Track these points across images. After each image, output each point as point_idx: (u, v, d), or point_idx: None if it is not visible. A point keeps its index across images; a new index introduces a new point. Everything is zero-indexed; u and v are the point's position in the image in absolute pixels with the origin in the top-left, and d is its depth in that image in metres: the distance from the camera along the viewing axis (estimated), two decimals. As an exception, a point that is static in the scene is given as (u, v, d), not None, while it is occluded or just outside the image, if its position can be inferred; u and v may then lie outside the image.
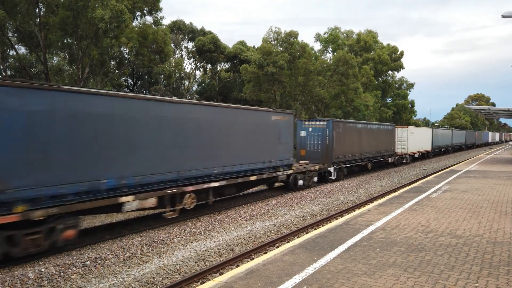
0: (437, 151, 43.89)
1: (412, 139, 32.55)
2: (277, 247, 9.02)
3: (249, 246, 9.52)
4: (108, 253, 8.64)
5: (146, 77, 42.30)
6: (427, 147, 38.36)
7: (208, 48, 41.55)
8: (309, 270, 6.04)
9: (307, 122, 21.31)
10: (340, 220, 9.75)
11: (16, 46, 28.30)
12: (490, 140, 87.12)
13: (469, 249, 7.10)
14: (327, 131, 20.33)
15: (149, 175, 10.14)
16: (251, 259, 8.36)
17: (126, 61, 34.26)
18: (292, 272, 5.94)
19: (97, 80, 29.39)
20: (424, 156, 38.69)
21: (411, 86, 60.34)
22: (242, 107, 15.46)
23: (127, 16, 22.21)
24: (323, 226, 10.18)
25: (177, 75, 40.74)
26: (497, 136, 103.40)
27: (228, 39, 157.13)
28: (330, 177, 20.42)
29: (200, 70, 47.77)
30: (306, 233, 10.42)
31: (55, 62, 31.42)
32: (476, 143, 68.94)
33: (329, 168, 20.25)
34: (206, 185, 11.92)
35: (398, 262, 6.38)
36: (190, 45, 45.90)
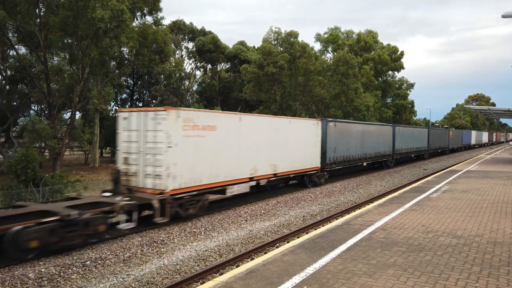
0: (344, 168, 22.14)
1: (200, 148, 11.98)
2: (277, 247, 9.02)
3: (249, 246, 9.52)
4: (108, 253, 8.64)
5: (146, 77, 42.33)
6: (303, 163, 17.46)
7: (208, 48, 41.57)
8: (309, 270, 6.04)
9: None
10: (340, 220, 9.75)
11: (16, 46, 28.31)
12: (474, 142, 64.76)
13: (469, 249, 7.10)
14: None
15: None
16: (251, 259, 8.36)
17: (126, 61, 34.29)
18: (292, 272, 5.94)
19: (97, 80, 29.41)
20: (272, 187, 17.30)
21: (411, 86, 60.38)
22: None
23: (127, 16, 22.22)
24: (323, 226, 10.18)
25: (177, 75, 40.77)
26: (484, 137, 78.70)
27: (228, 39, 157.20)
28: None
29: (200, 70, 47.83)
30: (306, 233, 10.42)
31: (55, 62, 31.41)
32: (450, 146, 47.75)
33: None
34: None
35: (398, 262, 6.38)
36: (190, 45, 45.93)
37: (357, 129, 23.81)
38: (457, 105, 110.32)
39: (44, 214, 8.53)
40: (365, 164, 24.94)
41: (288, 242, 9.43)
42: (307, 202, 15.29)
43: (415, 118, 66.20)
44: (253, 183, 14.33)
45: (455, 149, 51.51)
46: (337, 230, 8.54)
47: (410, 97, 59.24)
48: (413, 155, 34.51)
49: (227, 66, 46.94)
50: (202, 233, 10.50)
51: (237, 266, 7.92)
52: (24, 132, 29.43)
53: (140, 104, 44.18)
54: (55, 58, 31.62)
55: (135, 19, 27.99)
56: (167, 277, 7.57)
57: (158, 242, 9.56)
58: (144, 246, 9.20)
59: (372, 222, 9.24)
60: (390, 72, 55.43)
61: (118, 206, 9.95)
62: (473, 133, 65.82)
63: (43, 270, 7.58)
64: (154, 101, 42.19)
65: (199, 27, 45.70)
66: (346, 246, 7.29)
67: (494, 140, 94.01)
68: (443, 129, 49.86)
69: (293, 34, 35.28)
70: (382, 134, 27.34)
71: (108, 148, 40.89)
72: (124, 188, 11.36)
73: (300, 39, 36.48)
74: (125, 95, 44.17)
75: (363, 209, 11.13)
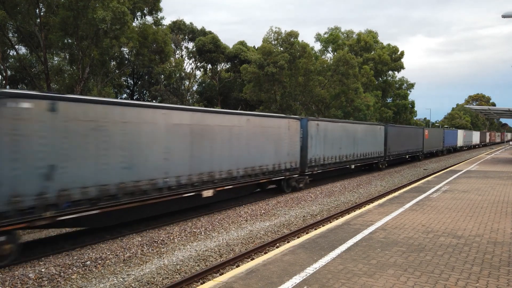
0: (116, 212, 9.68)
1: None
2: (277, 247, 9.02)
3: (249, 246, 9.52)
4: (109, 253, 8.64)
5: (146, 77, 42.36)
6: None
7: (208, 48, 41.60)
8: (310, 270, 6.04)
9: None
10: (341, 220, 9.75)
11: (16, 46, 28.34)
12: (461, 143, 52.78)
13: (470, 249, 7.10)
14: None
15: None
16: (251, 259, 8.36)
17: (126, 61, 34.29)
18: (292, 272, 5.94)
19: (97, 80, 29.43)
20: None
21: (411, 86, 60.44)
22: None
23: (129, 18, 22.26)
24: (323, 226, 10.17)
25: (177, 75, 40.79)
26: (475, 137, 64.67)
27: (228, 39, 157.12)
28: None
29: (200, 70, 47.88)
30: (307, 233, 10.42)
31: (56, 62, 31.47)
32: (426, 150, 36.50)
33: None
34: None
35: (398, 262, 6.38)
36: (191, 45, 46.00)
37: (186, 122, 11.46)
38: (457, 105, 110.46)
39: None
40: (208, 194, 11.99)
41: (288, 242, 9.42)
42: (307, 202, 15.29)
43: (415, 118, 66.23)
44: None
45: (433, 153, 40.76)
46: (337, 230, 8.54)
47: (410, 97, 59.29)
48: (352, 166, 22.14)
49: (227, 66, 46.97)
50: (202, 233, 10.50)
51: (237, 266, 7.92)
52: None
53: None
54: (55, 58, 31.68)
55: (135, 19, 28.03)
56: (167, 277, 7.57)
57: (158, 242, 9.56)
58: (144, 246, 9.20)
59: (372, 222, 9.23)
60: (390, 72, 55.51)
61: None
62: (460, 132, 53.16)
63: (43, 270, 7.58)
64: (154, 101, 42.22)
65: (199, 27, 45.80)
66: (346, 246, 7.28)
67: (487, 140, 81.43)
68: (414, 128, 36.98)
69: (293, 34, 35.31)
70: (272, 134, 15.12)
71: None
72: None
73: (300, 39, 36.60)
74: (125, 95, 44.21)
75: (363, 209, 11.13)
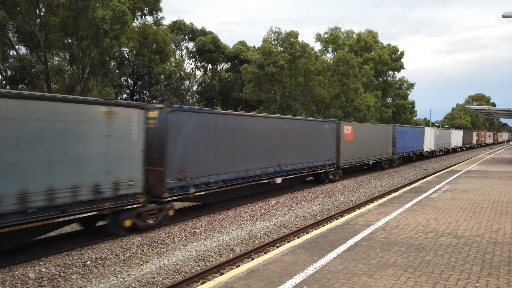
0: None
1: None
2: (277, 247, 9.02)
3: (249, 246, 9.52)
4: (109, 253, 8.64)
5: (146, 77, 42.38)
6: None
7: (208, 48, 41.62)
8: (310, 270, 6.04)
9: None
10: (341, 220, 9.75)
11: (16, 46, 28.34)
12: (431, 147, 37.50)
13: (470, 249, 7.10)
14: None
15: None
16: (251, 259, 8.36)
17: (126, 61, 34.30)
18: (292, 272, 5.94)
19: (97, 80, 29.43)
20: None
21: (411, 86, 60.41)
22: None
23: (129, 17, 22.25)
24: (323, 226, 10.18)
25: (178, 75, 40.79)
26: (456, 138, 49.64)
27: (229, 39, 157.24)
28: None
29: (200, 70, 47.88)
30: (307, 233, 10.42)
31: (56, 62, 31.48)
32: (344, 163, 20.74)
33: None
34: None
35: (398, 262, 6.38)
36: (191, 45, 46.01)
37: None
38: (458, 105, 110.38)
39: None
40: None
41: (288, 242, 9.43)
42: (307, 202, 15.29)
43: (415, 118, 66.22)
44: None
45: (369, 166, 25.68)
46: (337, 230, 8.54)
47: (411, 97, 59.44)
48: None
49: (227, 66, 46.98)
50: (202, 233, 10.50)
51: (237, 266, 7.92)
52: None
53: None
54: (55, 58, 31.69)
55: (135, 19, 28.00)
56: (167, 277, 7.57)
57: (159, 242, 9.56)
58: (145, 246, 9.20)
59: (373, 222, 9.24)
60: (390, 72, 55.47)
61: None
62: (429, 131, 36.85)
63: (43, 270, 7.58)
64: (154, 101, 42.24)
65: (199, 27, 45.81)
66: (347, 246, 7.29)
67: (474, 142, 64.23)
68: (307, 121, 19.02)
69: (293, 34, 35.30)
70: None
71: None
72: None
73: (300, 39, 36.63)
74: (125, 95, 44.21)
75: (363, 209, 11.13)
